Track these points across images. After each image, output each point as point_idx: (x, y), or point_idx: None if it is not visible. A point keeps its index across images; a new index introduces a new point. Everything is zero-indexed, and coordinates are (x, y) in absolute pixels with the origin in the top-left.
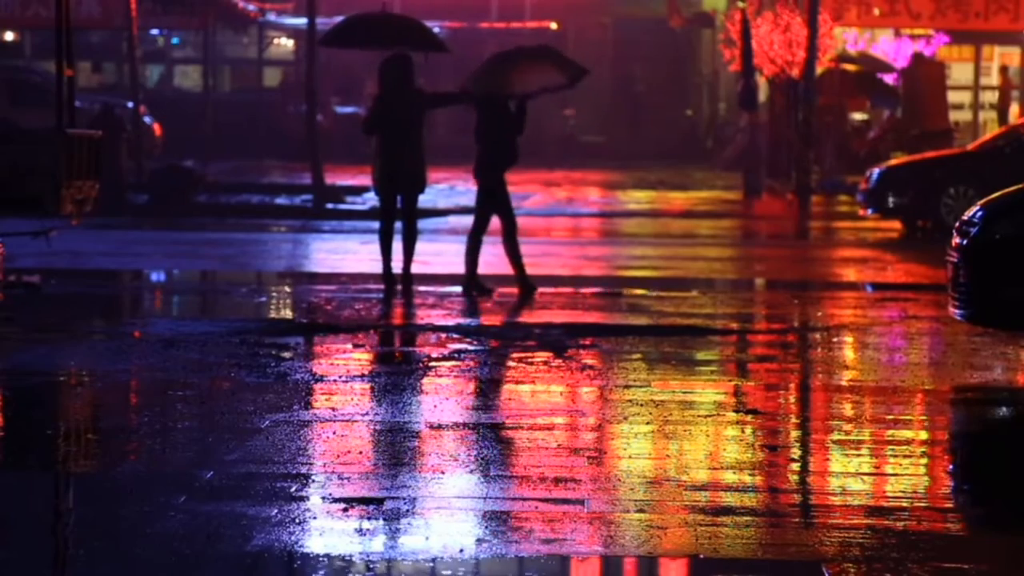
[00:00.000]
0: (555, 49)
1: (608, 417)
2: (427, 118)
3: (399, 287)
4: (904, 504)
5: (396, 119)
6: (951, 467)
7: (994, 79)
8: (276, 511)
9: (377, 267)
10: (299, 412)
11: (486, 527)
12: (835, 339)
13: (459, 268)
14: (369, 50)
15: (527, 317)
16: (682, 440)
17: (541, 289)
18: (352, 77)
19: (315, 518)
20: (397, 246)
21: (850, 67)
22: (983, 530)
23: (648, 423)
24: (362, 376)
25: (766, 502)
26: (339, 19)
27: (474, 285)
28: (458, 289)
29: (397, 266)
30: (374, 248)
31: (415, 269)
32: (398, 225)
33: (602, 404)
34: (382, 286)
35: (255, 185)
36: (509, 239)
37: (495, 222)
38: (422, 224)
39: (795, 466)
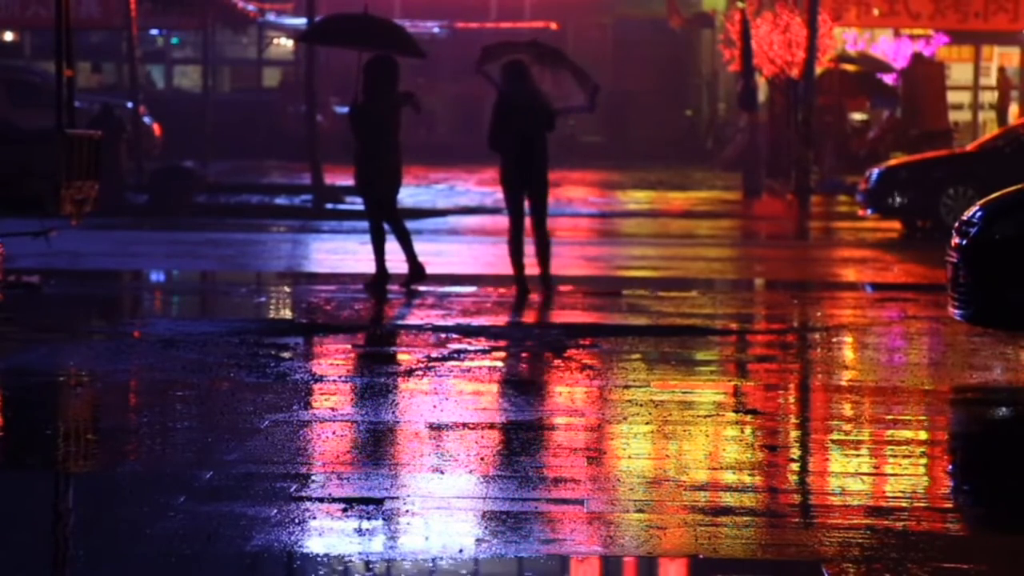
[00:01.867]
0: (570, 60)
1: (608, 417)
2: (424, 118)
3: (395, 286)
4: (904, 504)
5: (374, 121)
6: (951, 467)
7: (994, 79)
8: (276, 511)
9: (368, 267)
10: (298, 412)
11: (486, 527)
12: (835, 339)
13: (459, 268)
14: (346, 49)
15: (527, 317)
16: (682, 440)
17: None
18: (351, 77)
19: (315, 518)
20: (392, 245)
21: (850, 67)
22: (983, 530)
23: (648, 423)
24: (361, 376)
25: (766, 502)
26: None
27: (521, 283)
28: (458, 289)
29: (391, 267)
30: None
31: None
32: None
33: (602, 404)
34: (379, 285)
35: (255, 185)
36: (516, 239)
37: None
38: (422, 224)
39: (795, 466)
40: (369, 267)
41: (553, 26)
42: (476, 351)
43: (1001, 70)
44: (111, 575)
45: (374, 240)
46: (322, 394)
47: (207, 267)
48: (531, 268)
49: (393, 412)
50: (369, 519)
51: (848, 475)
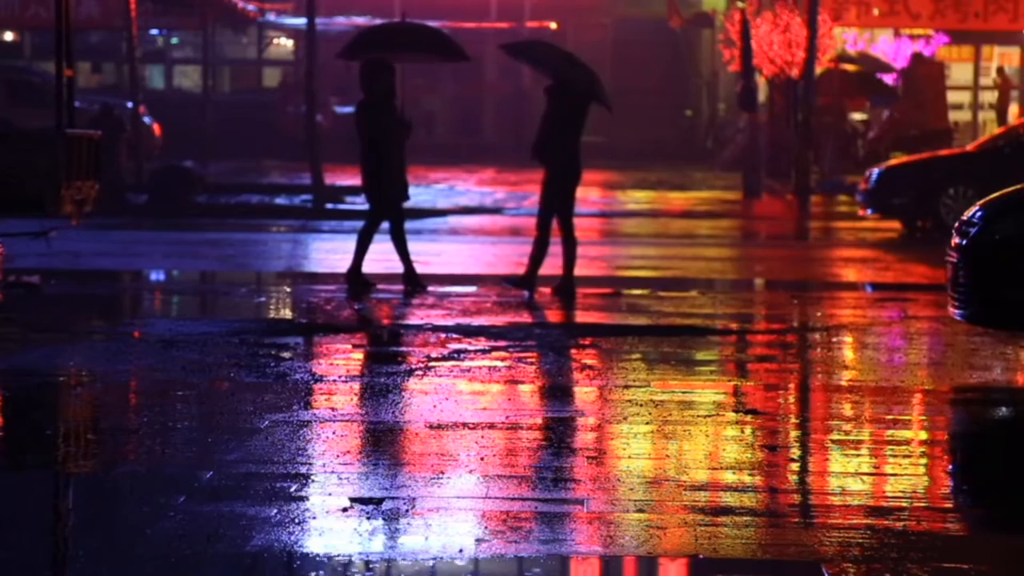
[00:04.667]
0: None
1: (608, 417)
2: (424, 118)
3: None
4: (904, 504)
5: (398, 126)
6: (951, 467)
7: (993, 80)
8: (276, 511)
9: (376, 267)
10: (299, 412)
11: (486, 527)
12: (835, 339)
13: (459, 268)
14: (403, 61)
15: (527, 317)
16: (682, 440)
17: (539, 289)
18: (352, 78)
19: (315, 518)
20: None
21: (850, 67)
22: (983, 530)
23: (648, 423)
24: (361, 376)
25: (766, 502)
26: (339, 20)
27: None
28: (458, 289)
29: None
30: (373, 248)
31: (384, 268)
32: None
33: (602, 404)
34: (352, 286)
35: (254, 185)
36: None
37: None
38: (423, 224)
39: (795, 466)
40: (368, 267)
41: (553, 26)
42: (476, 351)
43: (999, 70)
44: (111, 575)
45: (368, 241)
46: (322, 394)
47: (207, 267)
48: (555, 269)
49: (393, 412)
50: (369, 519)
51: (848, 475)
